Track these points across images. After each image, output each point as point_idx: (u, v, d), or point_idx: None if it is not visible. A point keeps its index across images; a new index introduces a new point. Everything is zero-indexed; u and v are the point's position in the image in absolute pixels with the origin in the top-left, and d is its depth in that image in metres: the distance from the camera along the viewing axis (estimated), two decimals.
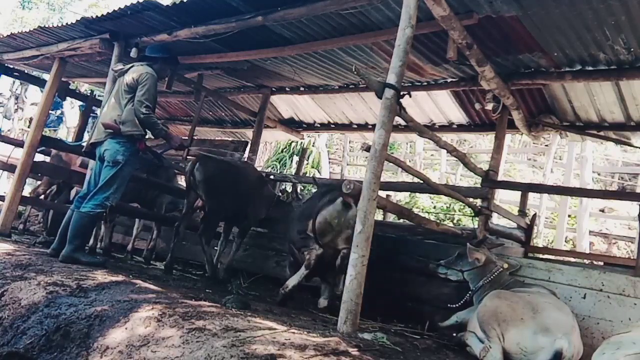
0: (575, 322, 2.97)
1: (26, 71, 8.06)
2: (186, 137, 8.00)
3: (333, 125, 8.16)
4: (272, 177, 7.31)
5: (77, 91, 9.66)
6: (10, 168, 6.20)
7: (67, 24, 5.56)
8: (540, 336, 2.74)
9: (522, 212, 6.18)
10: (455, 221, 9.73)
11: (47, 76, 7.13)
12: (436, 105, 6.59)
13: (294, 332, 2.62)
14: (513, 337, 2.78)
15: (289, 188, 5.55)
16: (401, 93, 3.29)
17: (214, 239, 5.18)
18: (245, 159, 7.42)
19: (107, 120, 4.37)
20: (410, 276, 4.36)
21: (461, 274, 3.66)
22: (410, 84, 5.85)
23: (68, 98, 10.30)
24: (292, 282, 3.91)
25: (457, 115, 6.69)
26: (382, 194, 5.99)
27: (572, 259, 6.63)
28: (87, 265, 4.01)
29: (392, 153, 11.30)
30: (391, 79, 3.21)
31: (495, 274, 3.54)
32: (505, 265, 3.63)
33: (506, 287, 3.42)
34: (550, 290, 3.38)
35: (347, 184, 3.26)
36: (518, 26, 4.09)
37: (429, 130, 4.73)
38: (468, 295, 3.61)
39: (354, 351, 2.40)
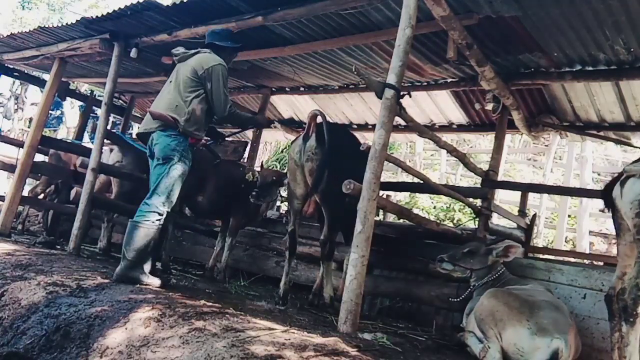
0: (572, 319, 2.97)
1: (26, 71, 8.06)
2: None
3: None
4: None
5: (77, 91, 9.67)
6: (10, 168, 6.19)
7: (67, 24, 5.56)
8: (537, 337, 2.73)
9: (522, 212, 6.17)
10: (455, 221, 9.72)
11: (47, 76, 7.13)
12: (436, 105, 6.59)
13: (293, 332, 2.62)
14: (510, 337, 2.78)
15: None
16: (401, 93, 3.30)
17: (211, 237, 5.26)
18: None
19: (159, 109, 3.81)
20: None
21: (469, 271, 3.62)
22: (410, 84, 5.85)
23: (68, 98, 10.29)
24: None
25: (457, 115, 6.69)
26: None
27: (572, 259, 6.62)
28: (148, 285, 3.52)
29: (392, 153, 11.29)
30: (391, 79, 3.21)
31: (500, 272, 3.55)
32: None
33: (503, 283, 3.44)
34: (545, 287, 3.38)
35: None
36: (518, 26, 4.09)
37: (429, 130, 4.72)
38: (469, 290, 3.60)
39: (353, 351, 2.40)
